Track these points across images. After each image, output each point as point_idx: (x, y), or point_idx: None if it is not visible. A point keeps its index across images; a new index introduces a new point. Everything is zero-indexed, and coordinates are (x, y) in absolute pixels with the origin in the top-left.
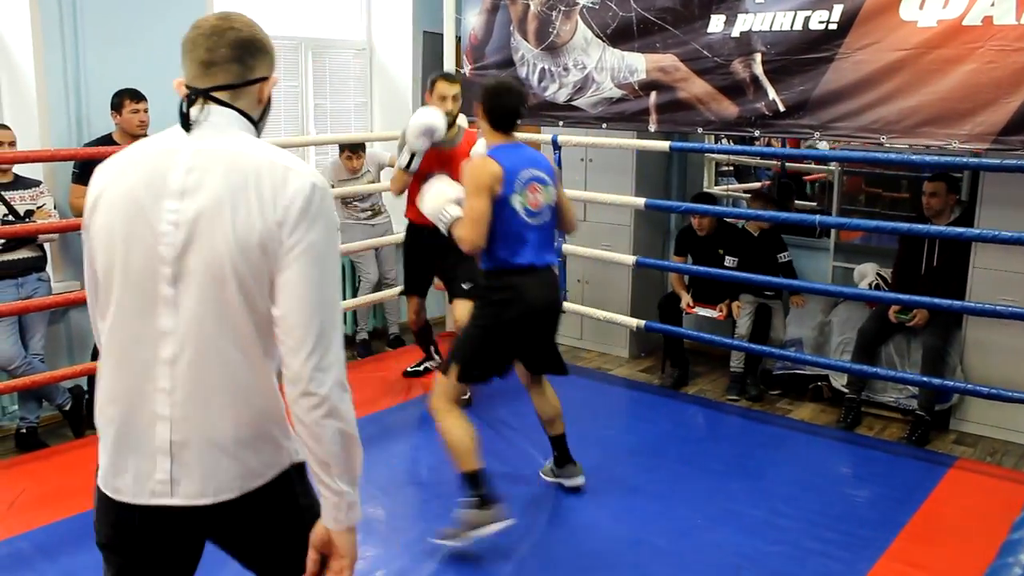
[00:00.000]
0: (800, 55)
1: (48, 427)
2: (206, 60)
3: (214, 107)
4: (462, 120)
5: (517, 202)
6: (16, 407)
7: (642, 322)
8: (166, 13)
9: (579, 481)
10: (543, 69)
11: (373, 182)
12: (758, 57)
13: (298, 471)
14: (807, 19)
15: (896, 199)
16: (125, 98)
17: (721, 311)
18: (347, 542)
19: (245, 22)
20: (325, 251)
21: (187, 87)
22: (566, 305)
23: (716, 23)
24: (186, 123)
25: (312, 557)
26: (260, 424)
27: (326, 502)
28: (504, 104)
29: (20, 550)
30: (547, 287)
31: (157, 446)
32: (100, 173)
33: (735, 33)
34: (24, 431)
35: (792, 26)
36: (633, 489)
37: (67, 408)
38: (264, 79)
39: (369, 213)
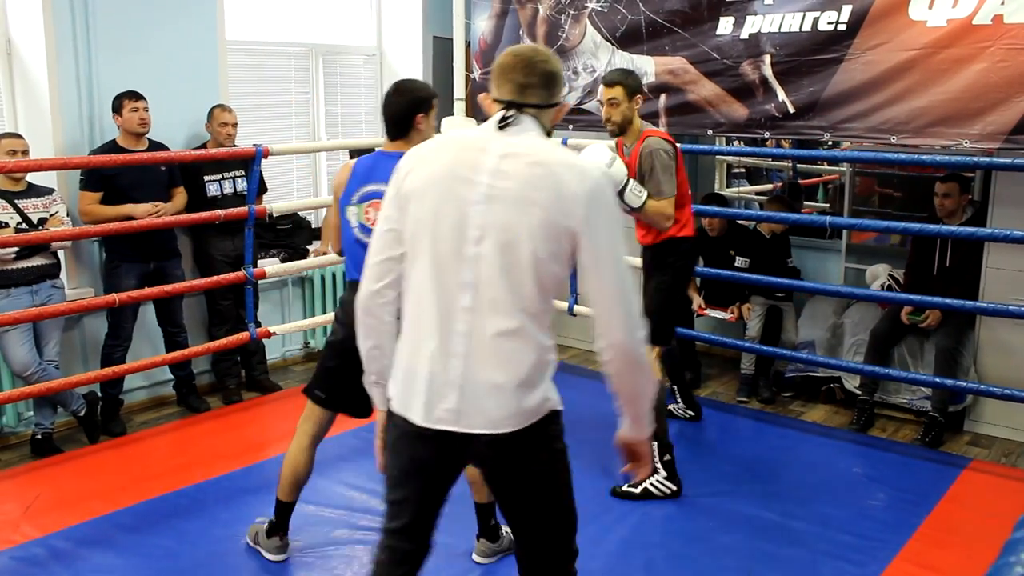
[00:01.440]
0: (809, 56)
1: (63, 433)
2: (523, 83)
3: (523, 116)
4: (638, 124)
5: (352, 214)
6: (31, 413)
7: None
8: (175, 20)
9: (480, 559)
10: None
11: None
12: (767, 59)
13: (557, 418)
14: (816, 20)
15: (904, 199)
16: (124, 99)
17: (732, 313)
18: (646, 447)
19: (548, 56)
20: (615, 234)
21: (501, 100)
22: (576, 308)
23: (725, 25)
24: (502, 124)
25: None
26: (535, 370)
27: (632, 423)
28: (383, 110)
29: (35, 555)
30: None
31: (449, 379)
32: (414, 152)
33: (744, 35)
34: (39, 437)
35: (801, 27)
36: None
37: (82, 414)
38: (558, 104)
39: None
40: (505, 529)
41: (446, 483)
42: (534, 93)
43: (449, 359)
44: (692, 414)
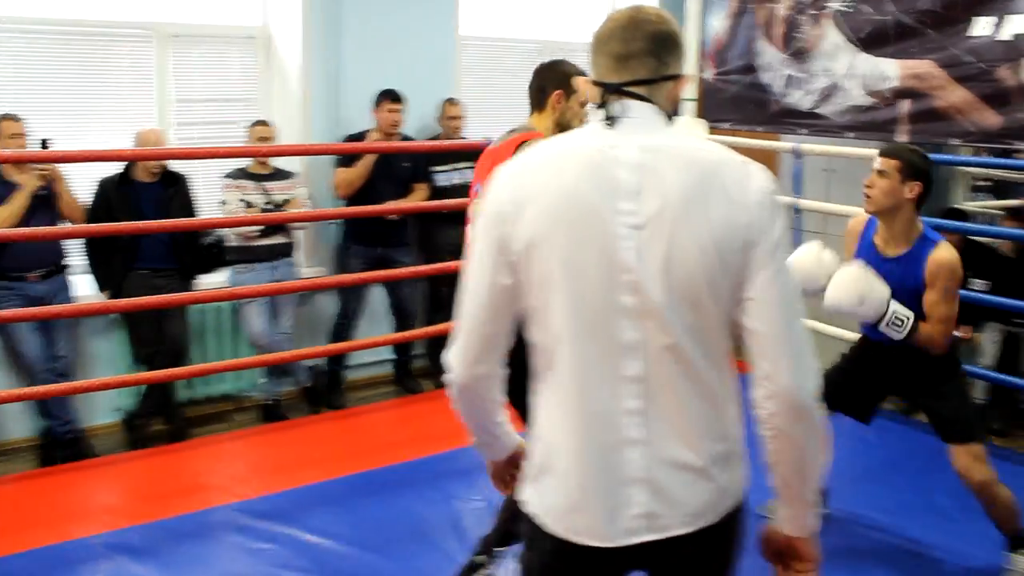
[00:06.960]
0: None
1: (289, 402)
2: (622, 53)
3: (633, 102)
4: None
5: None
6: (264, 380)
7: None
8: (416, 15)
9: None
10: (788, 75)
11: None
12: None
13: (746, 504)
14: None
15: None
16: (385, 98)
17: (966, 333)
18: (813, 546)
19: (660, 15)
20: (788, 251)
21: (599, 83)
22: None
23: (982, 26)
24: (608, 119)
25: (775, 563)
26: (730, 440)
27: (794, 511)
28: None
29: (260, 511)
30: None
31: (630, 476)
32: (514, 174)
33: (1005, 36)
34: (269, 403)
35: None
36: (856, 516)
37: (307, 385)
38: (677, 77)
39: None
40: None
41: None
42: (639, 64)
43: (625, 449)
44: None
